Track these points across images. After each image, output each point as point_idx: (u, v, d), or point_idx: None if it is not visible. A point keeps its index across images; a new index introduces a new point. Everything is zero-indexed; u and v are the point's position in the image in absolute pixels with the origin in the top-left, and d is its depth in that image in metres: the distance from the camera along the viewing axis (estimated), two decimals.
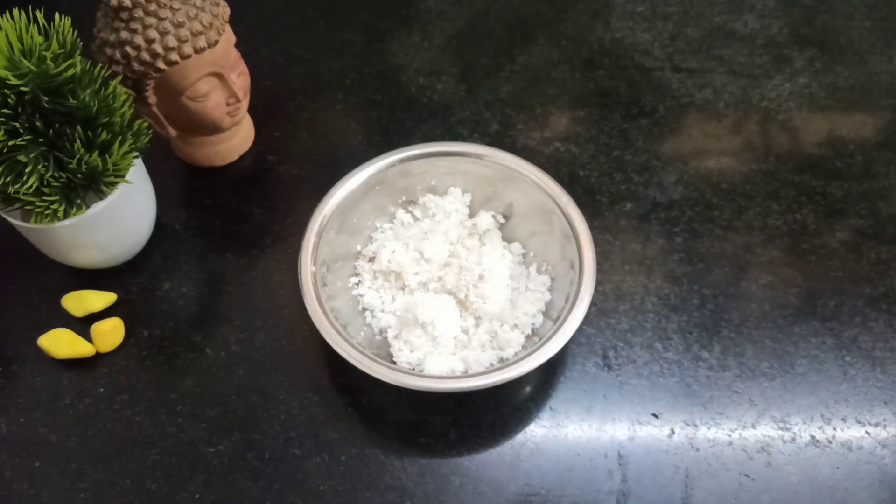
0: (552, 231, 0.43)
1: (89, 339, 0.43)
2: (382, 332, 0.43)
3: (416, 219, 0.47)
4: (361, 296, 0.44)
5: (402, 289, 0.44)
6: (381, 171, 0.45)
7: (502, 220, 0.46)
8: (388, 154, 0.45)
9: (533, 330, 0.42)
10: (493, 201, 0.47)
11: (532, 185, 0.44)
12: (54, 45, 0.37)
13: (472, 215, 0.47)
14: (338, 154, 0.53)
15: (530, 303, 0.43)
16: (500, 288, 0.42)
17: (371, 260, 0.45)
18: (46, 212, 0.39)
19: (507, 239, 0.46)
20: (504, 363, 0.39)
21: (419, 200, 0.47)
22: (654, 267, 0.47)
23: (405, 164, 0.45)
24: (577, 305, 0.39)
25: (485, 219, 0.46)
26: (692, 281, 0.46)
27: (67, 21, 0.38)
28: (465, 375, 0.39)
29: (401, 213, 0.47)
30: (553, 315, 0.41)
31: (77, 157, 0.38)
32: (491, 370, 0.38)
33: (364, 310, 0.44)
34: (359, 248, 0.46)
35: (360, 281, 0.45)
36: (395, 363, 0.41)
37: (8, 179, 0.37)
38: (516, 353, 0.41)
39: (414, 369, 0.41)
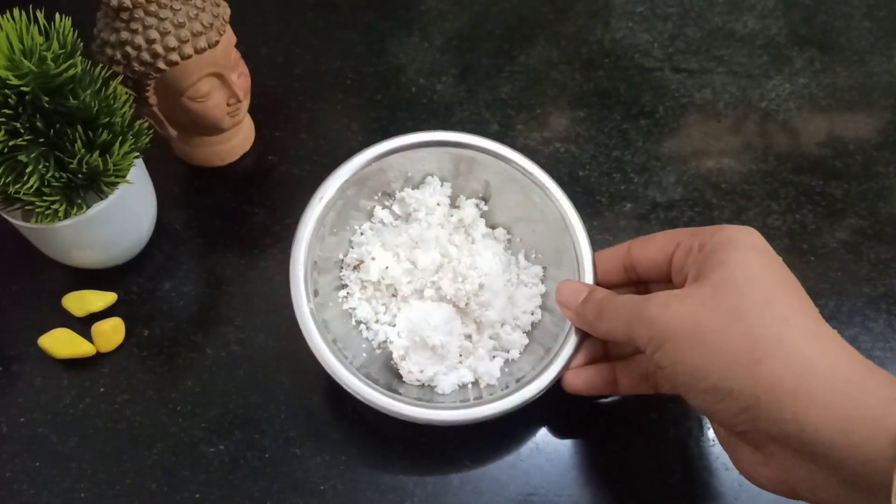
0: (533, 212, 0.43)
1: (90, 339, 0.43)
2: (381, 345, 0.42)
3: (395, 216, 0.45)
4: (353, 309, 0.43)
5: (394, 296, 0.43)
6: (356, 171, 0.43)
7: (485, 208, 0.46)
8: (360, 153, 0.43)
9: (533, 325, 0.42)
10: (470, 182, 0.45)
11: (510, 165, 0.43)
12: (55, 45, 0.37)
13: (453, 204, 0.46)
14: (338, 154, 0.52)
15: (527, 299, 0.43)
16: (499, 293, 0.42)
17: (356, 268, 0.44)
18: (47, 212, 0.39)
19: (491, 225, 0.46)
20: (519, 383, 0.39)
21: (396, 195, 0.45)
22: None
23: (380, 160, 0.43)
24: None
25: (468, 210, 0.45)
26: None
27: (68, 21, 0.38)
28: (480, 402, 0.38)
29: (378, 210, 0.45)
30: (549, 306, 0.41)
31: (78, 157, 0.38)
32: (506, 393, 0.38)
33: (359, 323, 0.43)
34: (341, 256, 0.44)
35: (348, 293, 0.44)
36: (402, 380, 0.41)
37: (8, 179, 0.37)
38: (520, 353, 0.41)
39: (424, 385, 0.41)
